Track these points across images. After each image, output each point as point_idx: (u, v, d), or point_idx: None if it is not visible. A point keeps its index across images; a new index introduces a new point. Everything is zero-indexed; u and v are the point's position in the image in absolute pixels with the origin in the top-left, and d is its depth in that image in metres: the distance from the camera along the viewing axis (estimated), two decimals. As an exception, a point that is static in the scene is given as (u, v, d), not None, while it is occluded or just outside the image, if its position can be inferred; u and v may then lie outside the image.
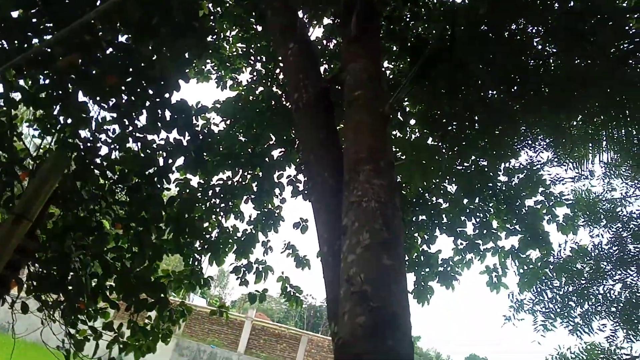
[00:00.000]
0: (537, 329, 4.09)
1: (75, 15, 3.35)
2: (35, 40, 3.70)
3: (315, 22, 4.63)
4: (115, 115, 4.23)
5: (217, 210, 4.96)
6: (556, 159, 5.29)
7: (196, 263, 4.80)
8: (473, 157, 5.24)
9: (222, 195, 4.94)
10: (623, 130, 4.80)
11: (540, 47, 4.50)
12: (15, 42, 3.45)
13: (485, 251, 5.41)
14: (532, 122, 4.85)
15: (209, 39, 5.43)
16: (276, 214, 5.21)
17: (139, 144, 4.11)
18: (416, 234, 5.46)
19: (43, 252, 3.90)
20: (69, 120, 4.15)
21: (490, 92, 4.82)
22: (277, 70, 5.56)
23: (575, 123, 4.79)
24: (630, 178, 5.15)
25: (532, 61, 4.54)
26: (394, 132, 5.10)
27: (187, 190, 4.66)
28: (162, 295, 4.20)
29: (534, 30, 4.46)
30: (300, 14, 4.07)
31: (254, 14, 5.23)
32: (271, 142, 5.01)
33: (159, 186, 4.12)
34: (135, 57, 3.91)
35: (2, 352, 11.61)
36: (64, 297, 4.00)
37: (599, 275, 4.21)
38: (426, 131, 5.18)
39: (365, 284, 1.50)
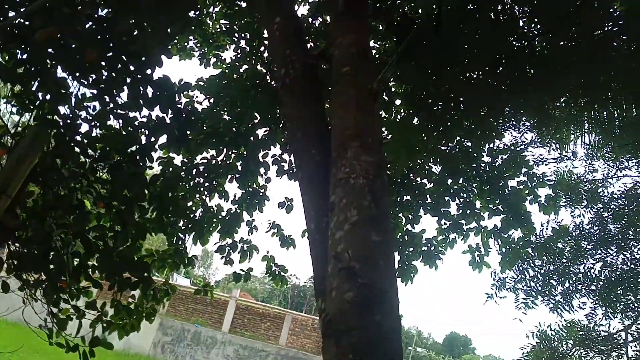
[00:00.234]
0: (519, 307, 4.15)
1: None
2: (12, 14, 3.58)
3: (301, -1, 4.56)
4: (95, 91, 4.14)
5: (201, 189, 4.91)
6: (539, 140, 5.34)
7: (180, 242, 4.77)
8: (458, 138, 5.27)
9: (206, 174, 4.89)
10: (605, 112, 4.85)
11: (525, 28, 4.50)
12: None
13: (469, 231, 5.48)
14: (516, 103, 4.87)
15: (191, 14, 5.32)
16: (261, 194, 5.19)
17: (121, 121, 4.03)
18: (400, 214, 5.49)
19: (23, 230, 3.83)
20: (48, 97, 4.04)
21: (475, 72, 4.82)
22: (262, 49, 5.47)
23: (558, 104, 4.83)
24: (612, 159, 5.21)
25: (518, 42, 4.54)
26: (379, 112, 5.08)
27: (171, 169, 4.60)
28: (145, 274, 4.17)
29: (520, 11, 4.45)
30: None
31: (238, -11, 5.13)
32: (256, 121, 4.95)
33: (141, 164, 4.06)
34: (116, 31, 3.80)
35: (-17, 332, 11.50)
36: (45, 276, 3.95)
37: (580, 254, 4.27)
38: (411, 111, 5.18)
39: (353, 260, 1.50)
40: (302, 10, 5.53)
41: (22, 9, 3.57)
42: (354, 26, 2.38)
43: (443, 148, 5.32)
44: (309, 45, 4.84)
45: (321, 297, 1.67)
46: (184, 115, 4.13)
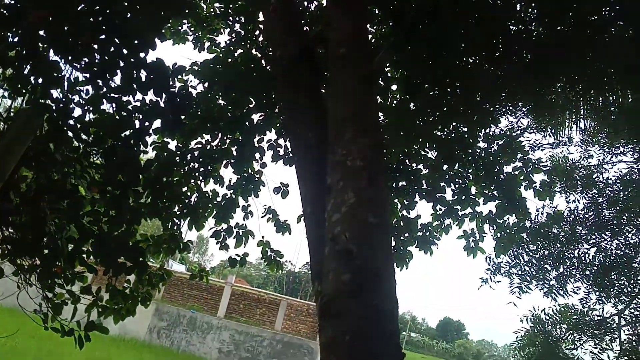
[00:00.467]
0: (513, 291, 4.20)
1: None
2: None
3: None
4: (88, 75, 4.08)
5: (196, 174, 4.88)
6: (535, 126, 5.34)
7: (175, 228, 4.75)
8: (454, 124, 5.26)
9: (200, 160, 4.85)
10: (601, 99, 4.85)
11: (522, 13, 4.47)
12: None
13: (464, 216, 5.48)
14: (513, 88, 4.86)
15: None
16: (256, 179, 5.16)
17: (114, 105, 3.98)
18: (396, 200, 5.49)
19: (17, 215, 3.80)
20: (40, 80, 3.99)
21: (472, 58, 4.80)
22: (257, 33, 5.41)
23: (554, 90, 4.82)
24: (607, 145, 5.23)
25: (515, 27, 4.52)
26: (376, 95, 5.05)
27: (165, 154, 4.56)
28: (140, 259, 4.15)
29: (517, -5, 4.42)
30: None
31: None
32: (251, 106, 4.91)
33: (135, 149, 4.02)
34: (108, 13, 3.74)
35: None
36: (39, 261, 3.94)
37: (574, 239, 4.31)
38: (407, 97, 5.16)
39: (350, 242, 1.49)
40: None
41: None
42: (350, 10, 2.35)
43: (439, 134, 5.31)
44: (305, 29, 4.79)
45: (318, 280, 1.67)
46: (178, 100, 4.08)
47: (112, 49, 3.97)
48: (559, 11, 3.90)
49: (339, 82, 1.97)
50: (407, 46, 4.38)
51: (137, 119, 4.10)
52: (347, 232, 1.52)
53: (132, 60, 3.99)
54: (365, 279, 1.43)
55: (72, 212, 3.94)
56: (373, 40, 5.24)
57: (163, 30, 4.94)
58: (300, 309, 20.33)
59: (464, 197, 5.43)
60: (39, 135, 3.73)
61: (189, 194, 4.84)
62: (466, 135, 5.27)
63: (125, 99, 4.04)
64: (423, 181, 5.51)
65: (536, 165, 5.33)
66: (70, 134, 3.89)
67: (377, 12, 5.13)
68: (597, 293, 4.13)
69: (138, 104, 4.08)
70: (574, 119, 5.36)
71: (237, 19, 5.45)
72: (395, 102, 5.52)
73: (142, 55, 3.99)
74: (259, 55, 5.16)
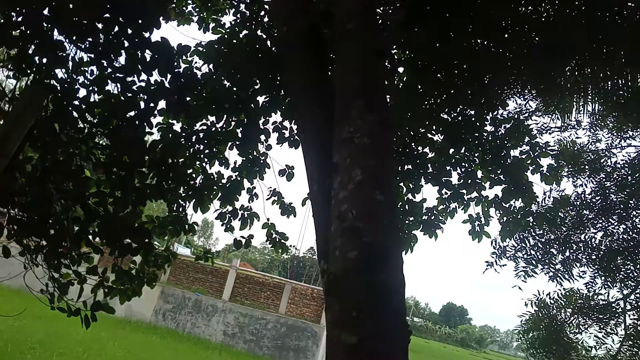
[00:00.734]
0: (519, 275, 4.19)
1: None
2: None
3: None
4: (92, 55, 4.06)
5: (201, 156, 4.86)
6: (543, 109, 5.29)
7: (180, 209, 4.76)
8: (461, 107, 5.20)
9: (205, 141, 4.83)
10: (610, 82, 4.79)
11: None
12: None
13: (469, 200, 5.45)
14: (521, 70, 4.80)
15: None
16: (261, 161, 5.14)
17: (119, 85, 3.96)
18: (401, 183, 5.46)
19: (23, 196, 3.81)
20: (45, 60, 3.97)
21: (480, 39, 4.73)
22: (262, 13, 5.34)
23: (563, 73, 4.77)
24: (616, 129, 5.17)
25: (524, 8, 4.45)
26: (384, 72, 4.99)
27: (170, 135, 4.55)
28: (146, 240, 4.17)
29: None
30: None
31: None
32: (256, 87, 4.87)
33: (140, 130, 4.01)
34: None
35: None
36: (45, 241, 3.95)
37: (581, 223, 4.29)
38: (414, 79, 5.10)
39: (357, 219, 1.47)
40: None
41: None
42: (358, -16, 2.30)
43: (445, 117, 5.26)
44: (311, 5, 4.72)
45: (324, 258, 1.66)
46: (183, 80, 4.05)
47: (116, 28, 3.94)
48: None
49: (347, 58, 1.93)
50: (414, 27, 4.32)
51: (142, 100, 4.08)
52: (354, 210, 1.50)
53: (136, 40, 3.96)
54: (372, 256, 1.42)
55: (77, 192, 3.95)
56: (380, 21, 5.17)
57: (168, 10, 4.90)
58: (304, 293, 20.46)
59: (470, 180, 5.39)
60: (44, 116, 3.72)
61: (194, 175, 4.83)
62: (473, 119, 5.22)
63: (129, 79, 4.02)
64: (429, 165, 5.47)
65: (543, 149, 5.27)
66: (75, 114, 3.88)
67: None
68: (603, 277, 4.12)
69: (143, 84, 4.06)
70: (582, 102, 5.30)
71: (242, -1, 5.39)
72: (401, 84, 5.46)
73: (146, 34, 3.96)
74: (264, 36, 5.10)
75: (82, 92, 4.07)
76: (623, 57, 4.20)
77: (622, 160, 4.75)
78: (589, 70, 4.77)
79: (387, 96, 4.75)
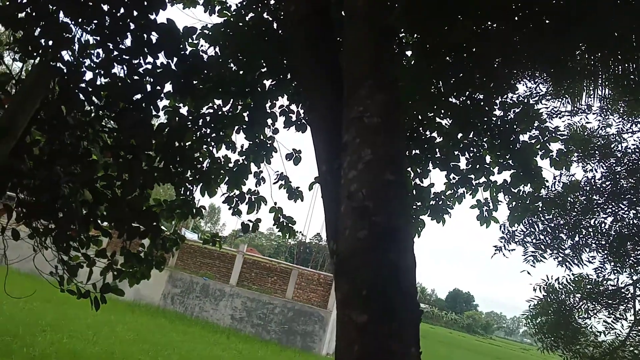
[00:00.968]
0: (527, 260, 4.16)
1: None
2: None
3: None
4: (98, 38, 4.04)
5: (208, 139, 4.85)
6: (553, 92, 5.21)
7: (188, 193, 4.76)
8: (469, 91, 5.14)
9: (212, 125, 4.81)
10: (620, 66, 4.70)
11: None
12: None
13: (477, 186, 5.42)
14: (531, 54, 4.73)
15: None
16: (268, 145, 5.13)
17: (125, 68, 3.94)
18: (409, 168, 5.42)
19: (31, 179, 3.82)
20: (51, 42, 3.95)
21: (489, 21, 4.65)
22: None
23: (573, 57, 4.69)
24: (627, 114, 5.09)
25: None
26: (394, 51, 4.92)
27: (177, 118, 4.53)
28: (154, 223, 4.18)
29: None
30: None
31: None
32: (263, 70, 4.83)
33: (146, 113, 4.00)
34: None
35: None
36: (54, 224, 3.97)
37: (591, 208, 4.24)
38: (422, 63, 5.04)
39: (366, 199, 1.45)
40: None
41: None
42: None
43: (454, 101, 5.20)
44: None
45: (333, 239, 1.64)
46: (190, 63, 4.02)
47: (122, 10, 3.91)
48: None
49: (356, 36, 1.89)
50: (421, 9, 4.25)
51: (149, 83, 4.06)
52: (364, 189, 1.48)
53: (142, 21, 3.93)
54: (382, 235, 1.40)
55: (85, 176, 3.95)
56: (389, 2, 5.09)
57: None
58: (310, 278, 20.57)
59: (478, 166, 5.35)
60: (51, 98, 3.71)
61: (201, 159, 4.82)
62: (482, 103, 5.16)
63: (135, 61, 4.00)
64: (437, 149, 5.43)
65: (553, 134, 5.21)
66: (81, 97, 3.87)
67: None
68: (613, 263, 4.08)
69: (149, 67, 4.04)
70: (593, 87, 5.22)
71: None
72: (409, 68, 5.40)
73: (152, 16, 3.93)
74: (271, 18, 5.04)
75: (89, 75, 4.06)
76: (634, 40, 4.12)
77: (632, 145, 4.68)
78: (599, 54, 4.69)
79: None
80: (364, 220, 1.43)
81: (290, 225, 5.21)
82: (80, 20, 3.94)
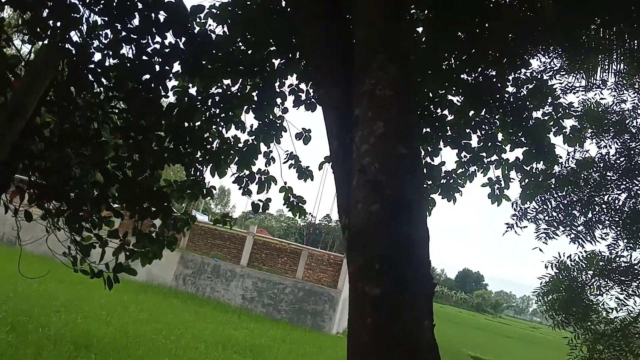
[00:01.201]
0: (540, 237, 4.14)
1: None
2: None
3: None
4: (106, 18, 4.01)
5: (217, 120, 4.83)
6: (567, 67, 5.12)
7: (198, 174, 4.77)
8: (481, 67, 5.06)
9: (221, 105, 4.79)
10: (636, 41, 4.60)
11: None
12: None
13: (489, 164, 5.36)
14: (545, 28, 4.63)
15: None
16: (278, 124, 5.10)
17: (133, 48, 3.91)
18: (420, 147, 5.37)
19: (42, 160, 3.84)
20: (59, 24, 3.93)
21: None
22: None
23: (588, 32, 4.59)
24: (642, 89, 4.99)
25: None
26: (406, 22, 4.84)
27: (186, 99, 4.51)
28: (165, 203, 4.21)
29: None
30: None
31: None
32: (271, 50, 4.78)
33: (156, 93, 3.99)
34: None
35: (13, 263, 11.99)
36: (66, 205, 4.01)
37: (604, 185, 4.19)
38: (433, 39, 4.96)
39: (379, 173, 1.43)
40: None
41: None
42: None
43: (466, 78, 5.13)
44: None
45: (345, 214, 1.63)
46: (198, 41, 3.99)
47: (128, -12, 3.87)
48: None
49: (367, 9, 1.85)
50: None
51: (157, 63, 4.04)
52: (376, 163, 1.46)
53: (149, 0, 3.89)
54: (395, 208, 1.39)
55: (96, 157, 3.97)
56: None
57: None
58: (320, 259, 20.69)
59: (490, 143, 5.29)
60: (60, 80, 3.71)
61: (210, 139, 4.81)
62: (494, 79, 5.07)
63: (144, 41, 3.98)
64: (448, 127, 5.37)
65: (567, 111, 5.12)
66: (91, 78, 3.86)
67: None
68: (626, 239, 4.05)
69: (157, 46, 4.02)
70: (607, 62, 5.13)
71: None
72: (420, 44, 5.31)
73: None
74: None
75: (98, 57, 4.05)
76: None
77: (648, 121, 4.60)
78: (615, 28, 4.59)
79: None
80: (376, 193, 1.41)
81: (300, 204, 5.21)
82: (87, 0, 3.92)
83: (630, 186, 4.14)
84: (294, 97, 5.13)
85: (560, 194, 4.25)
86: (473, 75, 5.09)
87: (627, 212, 4.06)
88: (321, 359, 12.80)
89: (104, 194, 4.09)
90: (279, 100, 5.04)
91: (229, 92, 4.83)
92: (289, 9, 4.75)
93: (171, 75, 4.14)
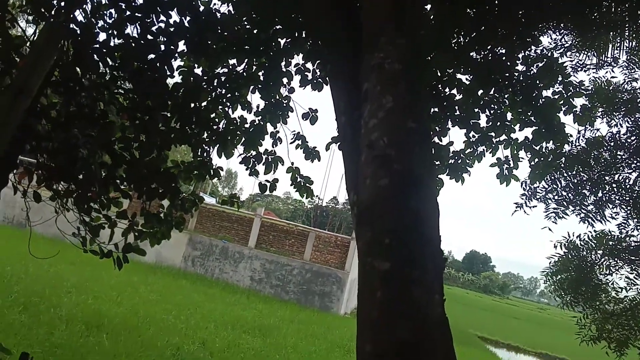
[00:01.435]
0: (549, 217, 4.11)
1: None
2: None
3: None
4: (111, -2, 3.97)
5: (223, 100, 4.80)
6: (578, 45, 5.03)
7: (205, 154, 4.76)
8: (491, 45, 4.98)
9: (227, 85, 4.75)
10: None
11: None
12: None
13: (498, 143, 5.30)
14: (555, 5, 4.54)
15: None
16: (284, 104, 5.06)
17: (138, 27, 3.88)
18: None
19: (48, 141, 3.85)
20: (63, 3, 3.90)
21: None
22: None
23: (600, 9, 4.50)
24: (653, 68, 4.91)
25: None
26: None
27: (191, 79, 4.48)
28: (172, 184, 4.21)
29: None
30: None
31: None
32: (277, 28, 4.72)
33: (161, 73, 3.96)
34: None
35: (23, 245, 12.14)
36: (75, 186, 4.02)
37: (615, 164, 4.14)
38: (441, 17, 4.87)
39: (388, 147, 1.41)
40: None
41: None
42: None
43: (475, 56, 5.04)
44: None
45: (353, 190, 1.61)
46: (202, 20, 3.95)
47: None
48: None
49: (375, -19, 1.81)
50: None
51: (162, 43, 4.01)
52: (385, 137, 1.43)
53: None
54: (405, 183, 1.36)
55: (103, 138, 3.97)
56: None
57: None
58: (328, 241, 20.79)
59: (499, 123, 5.22)
60: (66, 60, 3.69)
61: (217, 120, 4.79)
62: (504, 58, 4.99)
63: (148, 21, 3.94)
64: (456, 107, 5.30)
65: (577, 89, 5.04)
66: (96, 58, 3.83)
67: None
68: (636, 219, 4.01)
69: (162, 25, 3.99)
70: (619, 39, 5.04)
71: None
72: (429, 22, 5.22)
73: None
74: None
75: (103, 37, 4.02)
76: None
77: (659, 99, 4.52)
78: (627, 4, 4.50)
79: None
80: (385, 168, 1.39)
81: (307, 185, 5.19)
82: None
83: (642, 165, 4.09)
84: (300, 77, 5.08)
85: (570, 174, 4.20)
86: (482, 53, 5.01)
87: (637, 191, 4.02)
88: (330, 339, 12.93)
89: (111, 175, 4.10)
90: (285, 80, 4.99)
91: (234, 72, 4.79)
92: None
93: (176, 54, 4.10)
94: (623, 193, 4.05)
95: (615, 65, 5.16)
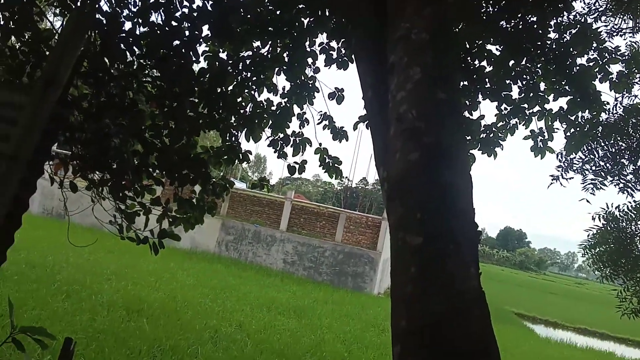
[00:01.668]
0: (587, 188, 3.97)
1: None
2: None
3: None
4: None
5: (249, 83, 4.80)
6: (613, 8, 4.80)
7: (233, 139, 4.79)
8: (521, 13, 4.80)
9: (252, 68, 4.74)
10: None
11: None
12: None
13: (531, 115, 5.15)
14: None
15: None
16: (310, 85, 5.02)
17: (162, 14, 3.90)
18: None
19: (82, 132, 3.94)
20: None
21: None
22: None
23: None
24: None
25: None
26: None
27: (217, 63, 4.49)
28: (203, 169, 4.26)
29: None
30: None
31: None
32: (300, 7, 4.66)
33: (187, 59, 3.99)
34: None
35: (63, 235, 12.56)
36: (109, 175, 4.11)
37: (656, 131, 3.97)
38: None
39: (417, 120, 1.37)
40: None
41: None
42: None
43: (505, 25, 4.88)
44: None
45: (383, 166, 1.59)
46: (225, 2, 3.94)
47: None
48: None
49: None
50: None
51: (187, 29, 4.02)
52: (414, 110, 1.40)
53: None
54: (435, 155, 1.33)
55: (133, 126, 4.04)
56: None
57: None
58: (359, 222, 20.79)
59: (532, 94, 5.05)
60: (93, 51, 3.75)
61: (243, 104, 4.80)
62: (535, 26, 4.81)
63: (172, 6, 3.96)
64: (487, 79, 5.15)
65: (613, 55, 4.82)
66: (123, 47, 3.88)
67: None
68: (679, 188, 3.85)
69: (186, 11, 4.00)
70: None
71: None
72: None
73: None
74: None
75: (128, 25, 4.07)
76: None
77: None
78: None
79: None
80: (414, 141, 1.36)
81: (336, 165, 5.17)
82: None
83: (685, 131, 3.91)
84: (325, 56, 5.02)
85: (607, 143, 4.04)
86: (512, 22, 4.84)
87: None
88: (364, 318, 13.01)
89: (143, 163, 4.17)
90: (310, 60, 4.94)
91: (259, 55, 4.77)
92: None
93: (201, 39, 4.11)
94: (664, 161, 3.89)
95: (653, 27, 4.91)
